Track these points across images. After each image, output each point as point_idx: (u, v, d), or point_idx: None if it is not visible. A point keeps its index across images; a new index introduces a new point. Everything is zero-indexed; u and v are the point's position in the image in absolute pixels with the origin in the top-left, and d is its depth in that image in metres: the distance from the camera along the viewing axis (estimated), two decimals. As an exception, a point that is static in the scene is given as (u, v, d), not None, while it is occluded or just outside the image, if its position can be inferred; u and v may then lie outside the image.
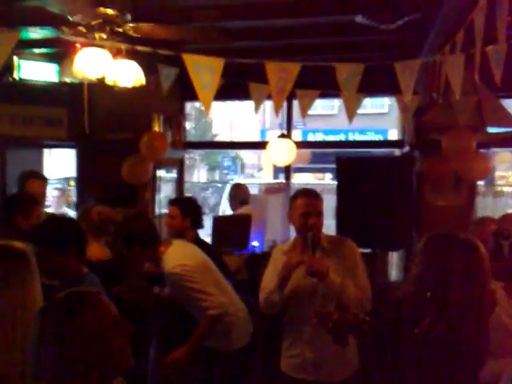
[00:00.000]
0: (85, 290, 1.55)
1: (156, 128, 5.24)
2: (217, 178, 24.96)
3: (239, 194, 5.56)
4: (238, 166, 24.79)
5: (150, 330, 3.62)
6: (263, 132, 20.41)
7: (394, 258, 4.82)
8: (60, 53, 4.67)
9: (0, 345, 1.79)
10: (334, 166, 4.80)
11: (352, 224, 4.50)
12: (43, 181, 4.25)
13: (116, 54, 3.54)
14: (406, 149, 5.13)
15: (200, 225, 3.88)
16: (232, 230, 4.95)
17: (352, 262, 2.89)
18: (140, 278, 3.60)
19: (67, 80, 4.91)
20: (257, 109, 4.46)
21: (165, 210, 5.76)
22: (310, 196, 2.91)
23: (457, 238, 2.02)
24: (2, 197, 4.62)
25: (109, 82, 3.56)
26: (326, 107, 17.26)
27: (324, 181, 15.84)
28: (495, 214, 4.37)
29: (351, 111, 3.85)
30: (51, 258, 2.48)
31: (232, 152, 23.32)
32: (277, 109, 3.36)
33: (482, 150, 4.68)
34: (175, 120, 5.66)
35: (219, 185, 21.66)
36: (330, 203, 5.04)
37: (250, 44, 4.64)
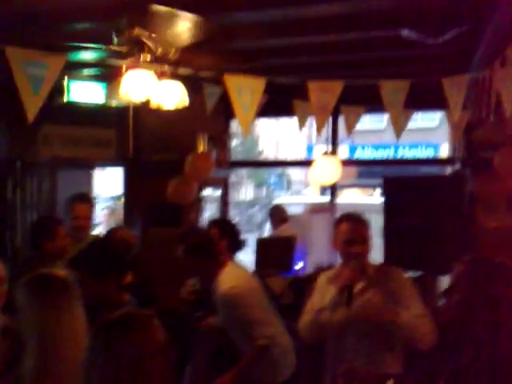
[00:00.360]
0: (137, 311, 1.57)
1: (201, 148, 5.26)
2: (263, 194, 24.93)
3: (278, 214, 6.03)
4: (284, 182, 24.71)
5: (187, 353, 3.56)
6: (310, 147, 20.29)
7: (445, 281, 4.62)
8: (108, 74, 4.77)
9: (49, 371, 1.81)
10: (379, 180, 4.69)
11: (400, 246, 4.37)
12: (89, 204, 4.29)
13: (161, 75, 3.59)
14: (457, 166, 4.95)
15: (238, 247, 3.73)
16: (276, 252, 4.90)
17: (403, 292, 2.68)
18: (181, 304, 3.58)
19: (114, 103, 5.00)
20: (301, 126, 4.42)
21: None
22: (355, 222, 2.74)
23: (496, 262, 1.95)
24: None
25: (153, 104, 3.60)
26: (375, 122, 16.97)
27: (372, 198, 15.52)
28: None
29: (398, 128, 3.76)
30: (92, 285, 2.50)
31: (278, 168, 23.27)
32: (319, 128, 3.31)
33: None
34: (220, 139, 5.68)
35: (266, 202, 21.63)
36: (379, 223, 4.92)
37: (293, 61, 4.60)
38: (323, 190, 16.38)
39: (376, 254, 4.15)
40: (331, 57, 4.45)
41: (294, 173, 24.40)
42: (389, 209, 4.51)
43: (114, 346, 1.42)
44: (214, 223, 3.83)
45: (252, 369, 3.01)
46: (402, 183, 4.58)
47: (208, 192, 5.91)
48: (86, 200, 4.28)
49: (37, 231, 3.69)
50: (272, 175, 23.73)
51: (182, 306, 3.75)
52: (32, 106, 2.63)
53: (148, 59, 3.46)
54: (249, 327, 2.94)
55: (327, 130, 5.84)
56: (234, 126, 6.49)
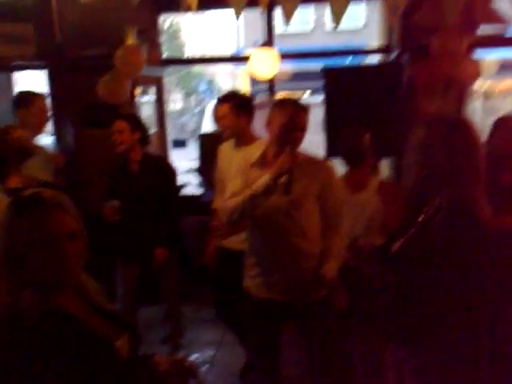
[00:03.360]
0: (52, 193, 1.49)
1: (130, 41, 4.89)
2: (193, 103, 24.50)
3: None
4: (214, 89, 24.31)
5: None
6: (239, 52, 19.78)
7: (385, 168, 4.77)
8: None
9: None
10: (312, 83, 4.64)
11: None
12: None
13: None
14: (394, 55, 4.94)
15: (147, 140, 3.94)
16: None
17: (327, 186, 2.72)
18: None
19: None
20: (238, 14, 4.19)
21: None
22: (298, 107, 2.63)
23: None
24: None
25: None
26: (301, 22, 16.45)
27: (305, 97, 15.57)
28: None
29: (339, 13, 3.62)
30: None
31: (207, 76, 22.73)
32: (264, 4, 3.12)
33: (471, 53, 4.52)
34: (150, 34, 5.33)
35: (196, 110, 21.29)
36: (313, 119, 4.88)
37: None
38: (255, 94, 16.18)
39: (317, 148, 4.16)
40: None
41: (223, 79, 23.91)
42: (329, 100, 4.48)
43: (22, 223, 1.40)
44: (122, 117, 3.89)
45: None
46: (342, 74, 4.53)
47: (140, 92, 5.58)
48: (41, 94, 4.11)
49: None
50: (201, 83, 23.22)
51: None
52: None
53: None
54: None
55: (260, 29, 5.61)
56: (162, 21, 6.10)
